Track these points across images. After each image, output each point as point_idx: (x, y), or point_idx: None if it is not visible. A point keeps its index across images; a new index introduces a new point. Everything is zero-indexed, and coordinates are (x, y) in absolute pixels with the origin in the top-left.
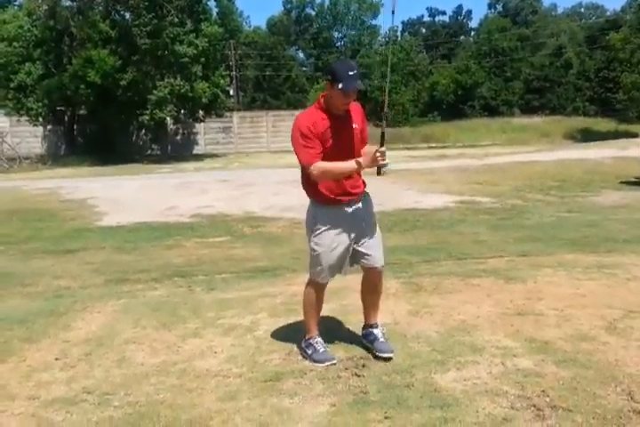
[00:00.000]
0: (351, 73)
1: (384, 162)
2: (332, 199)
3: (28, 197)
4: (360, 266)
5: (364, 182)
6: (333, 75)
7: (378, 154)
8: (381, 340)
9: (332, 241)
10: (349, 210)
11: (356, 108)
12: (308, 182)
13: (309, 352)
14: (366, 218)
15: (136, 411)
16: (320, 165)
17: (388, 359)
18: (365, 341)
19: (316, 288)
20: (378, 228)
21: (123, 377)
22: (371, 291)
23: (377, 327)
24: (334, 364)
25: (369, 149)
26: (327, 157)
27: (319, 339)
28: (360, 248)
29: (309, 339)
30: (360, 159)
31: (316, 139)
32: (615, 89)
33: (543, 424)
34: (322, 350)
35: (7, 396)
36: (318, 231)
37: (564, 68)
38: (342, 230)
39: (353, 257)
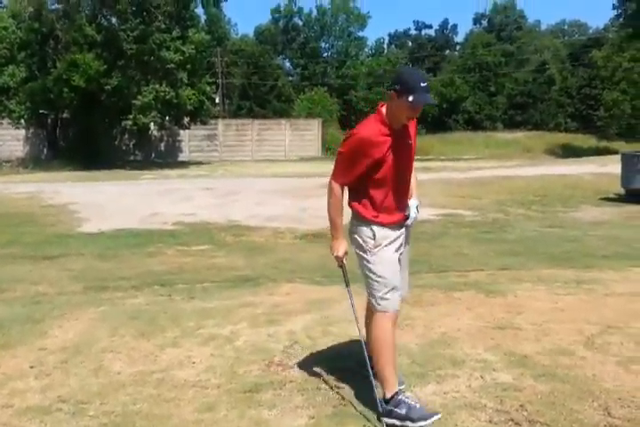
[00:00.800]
0: (423, 84)
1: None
2: (386, 217)
3: (8, 201)
4: None
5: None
6: (404, 85)
7: (340, 255)
8: None
9: (392, 256)
10: (399, 230)
11: (411, 122)
12: (361, 198)
13: (404, 412)
14: (407, 243)
15: (111, 421)
16: (338, 193)
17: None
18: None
19: (389, 321)
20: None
21: (99, 386)
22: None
23: None
24: (439, 418)
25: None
26: (386, 174)
27: (407, 393)
28: (403, 273)
29: (396, 395)
30: (343, 244)
31: (367, 158)
32: (596, 106)
33: None
34: (417, 405)
35: None
36: (377, 248)
37: (547, 84)
38: (396, 249)
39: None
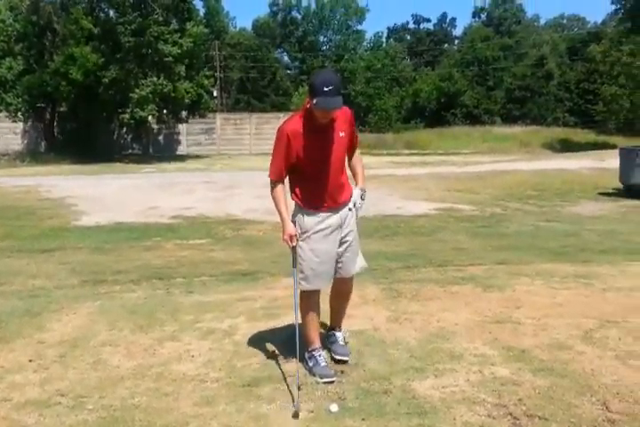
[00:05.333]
0: (326, 89)
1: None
2: (316, 205)
3: (6, 195)
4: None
5: (349, 190)
6: (310, 88)
7: (286, 238)
8: (340, 343)
9: (316, 246)
10: (333, 217)
11: (342, 114)
12: (293, 187)
13: (310, 364)
14: (348, 226)
15: (110, 415)
16: (277, 188)
17: (346, 363)
18: (326, 342)
19: (305, 296)
20: (357, 237)
21: (98, 380)
22: (340, 297)
23: (339, 331)
24: (332, 382)
25: (356, 188)
26: (310, 165)
27: (322, 352)
28: (343, 258)
29: (312, 351)
30: (289, 227)
31: (291, 151)
32: (595, 101)
33: None
34: (323, 364)
35: None
36: (305, 235)
37: (546, 78)
38: (325, 236)
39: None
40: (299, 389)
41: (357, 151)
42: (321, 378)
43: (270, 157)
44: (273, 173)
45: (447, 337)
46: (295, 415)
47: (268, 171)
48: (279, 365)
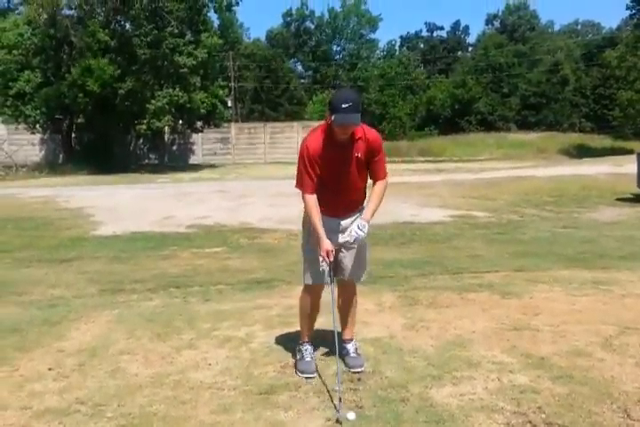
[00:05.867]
0: (345, 106)
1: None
2: (323, 210)
3: (24, 205)
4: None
5: (364, 198)
6: (329, 105)
7: (324, 254)
8: (353, 355)
9: (313, 243)
10: (339, 221)
11: (367, 139)
12: None
13: (297, 358)
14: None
15: (129, 423)
16: (308, 199)
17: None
18: (340, 354)
19: (307, 292)
20: (364, 244)
21: (116, 388)
22: (344, 304)
23: (350, 342)
24: (311, 378)
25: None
26: (323, 177)
27: (308, 346)
28: (339, 260)
29: (300, 344)
30: (326, 244)
31: (315, 164)
32: (611, 106)
33: None
34: (307, 359)
35: None
36: (307, 233)
37: (561, 84)
38: (328, 237)
39: (334, 267)
40: (340, 400)
41: (382, 183)
42: (301, 373)
43: (297, 168)
44: (298, 183)
45: (464, 345)
46: (339, 422)
47: (295, 182)
48: (296, 373)
